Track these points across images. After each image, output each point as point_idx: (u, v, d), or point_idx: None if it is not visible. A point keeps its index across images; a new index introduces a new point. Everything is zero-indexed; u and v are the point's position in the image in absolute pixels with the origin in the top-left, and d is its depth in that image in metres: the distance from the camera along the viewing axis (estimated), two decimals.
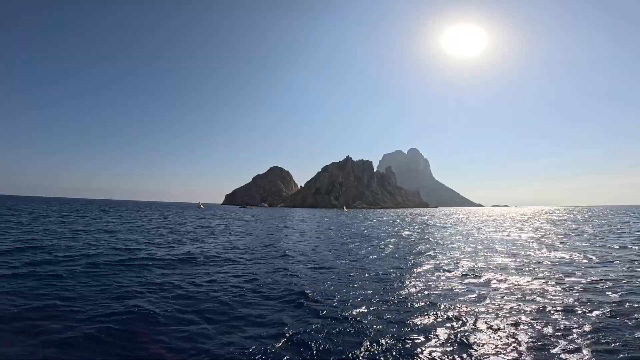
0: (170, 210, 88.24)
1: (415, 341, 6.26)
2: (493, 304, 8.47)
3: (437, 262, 14.59)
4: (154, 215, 55.46)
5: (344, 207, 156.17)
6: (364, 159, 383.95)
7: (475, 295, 9.23)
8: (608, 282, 10.49)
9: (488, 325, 6.99)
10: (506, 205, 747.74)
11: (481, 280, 11.01)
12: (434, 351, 5.88)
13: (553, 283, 10.52)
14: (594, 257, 15.26)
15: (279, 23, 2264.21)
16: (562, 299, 8.79)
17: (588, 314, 7.64)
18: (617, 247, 18.82)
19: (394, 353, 5.76)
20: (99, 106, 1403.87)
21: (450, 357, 5.65)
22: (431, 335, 6.50)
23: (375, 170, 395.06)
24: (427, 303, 8.45)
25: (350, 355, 5.69)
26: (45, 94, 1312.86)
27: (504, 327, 6.91)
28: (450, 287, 10.09)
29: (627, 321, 7.18)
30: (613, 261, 14.44)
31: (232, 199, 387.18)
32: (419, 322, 7.16)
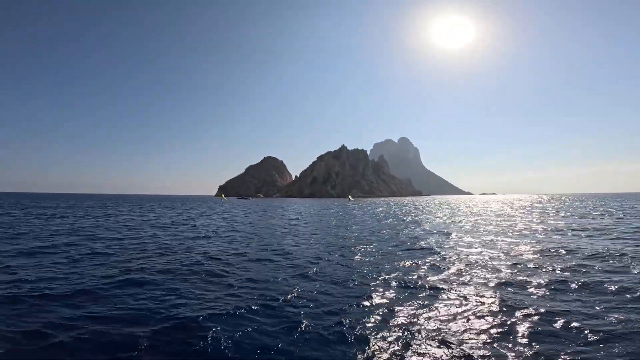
0: (214, 204, 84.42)
1: None
2: None
3: None
4: (233, 212, 48.79)
5: (350, 196, 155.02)
6: (358, 148, 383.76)
7: None
8: None
9: None
10: (494, 193, 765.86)
11: None
12: None
13: None
14: None
15: (270, 14, 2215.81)
16: None
17: None
18: None
19: None
20: (85, 101, 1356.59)
21: None
22: None
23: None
24: None
25: None
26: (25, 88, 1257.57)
27: None
28: None
29: None
30: None
31: (226, 190, 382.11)
32: None
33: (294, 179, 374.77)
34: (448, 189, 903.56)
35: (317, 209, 55.03)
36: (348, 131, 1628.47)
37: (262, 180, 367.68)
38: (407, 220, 29.81)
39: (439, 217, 33.54)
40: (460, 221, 27.33)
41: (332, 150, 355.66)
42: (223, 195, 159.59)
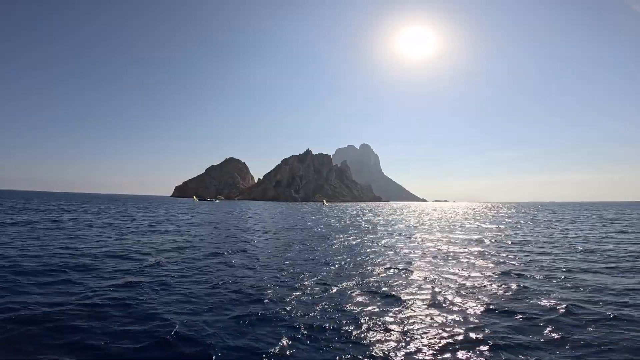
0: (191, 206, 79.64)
1: None
2: None
3: None
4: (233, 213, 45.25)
5: (324, 200, 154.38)
6: (323, 153, 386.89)
7: None
8: None
9: None
10: (446, 201, 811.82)
11: None
12: None
13: None
14: None
15: (236, 14, 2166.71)
16: None
17: None
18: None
19: None
20: (39, 90, 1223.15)
21: None
22: None
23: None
24: None
25: None
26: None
27: None
28: None
29: None
30: None
31: (184, 191, 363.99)
32: None
33: (256, 181, 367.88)
34: (405, 195, 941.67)
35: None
36: (311, 135, 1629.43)
37: (224, 182, 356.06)
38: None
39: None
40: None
41: (297, 154, 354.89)
42: (195, 197, 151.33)
